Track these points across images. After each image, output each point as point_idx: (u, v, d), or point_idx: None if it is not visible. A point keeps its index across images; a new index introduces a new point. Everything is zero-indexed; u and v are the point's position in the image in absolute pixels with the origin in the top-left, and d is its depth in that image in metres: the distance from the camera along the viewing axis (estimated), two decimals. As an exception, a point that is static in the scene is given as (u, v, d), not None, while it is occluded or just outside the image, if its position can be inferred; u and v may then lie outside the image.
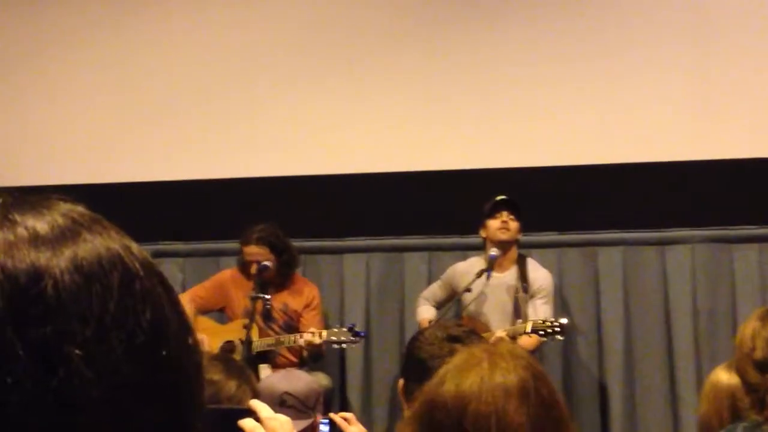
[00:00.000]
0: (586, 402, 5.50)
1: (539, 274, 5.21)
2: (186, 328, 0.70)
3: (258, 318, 5.13)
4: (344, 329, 5.00)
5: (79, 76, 6.19)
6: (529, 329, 4.80)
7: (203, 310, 5.42)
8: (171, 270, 5.84)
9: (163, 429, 0.66)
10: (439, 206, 5.71)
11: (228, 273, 5.46)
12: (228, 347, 5.14)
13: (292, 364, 5.11)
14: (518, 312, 5.13)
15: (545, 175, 5.64)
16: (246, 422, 1.51)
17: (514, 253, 5.25)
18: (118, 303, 0.65)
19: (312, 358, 5.23)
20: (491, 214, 5.20)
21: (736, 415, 2.55)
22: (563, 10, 5.78)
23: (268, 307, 5.20)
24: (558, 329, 4.78)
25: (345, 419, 2.42)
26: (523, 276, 5.20)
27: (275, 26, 6.04)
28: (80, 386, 0.62)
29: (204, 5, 6.13)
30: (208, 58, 6.07)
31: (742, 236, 5.47)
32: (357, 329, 4.99)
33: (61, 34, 6.21)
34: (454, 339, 2.40)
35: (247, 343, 4.89)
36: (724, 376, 2.71)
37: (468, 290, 5.09)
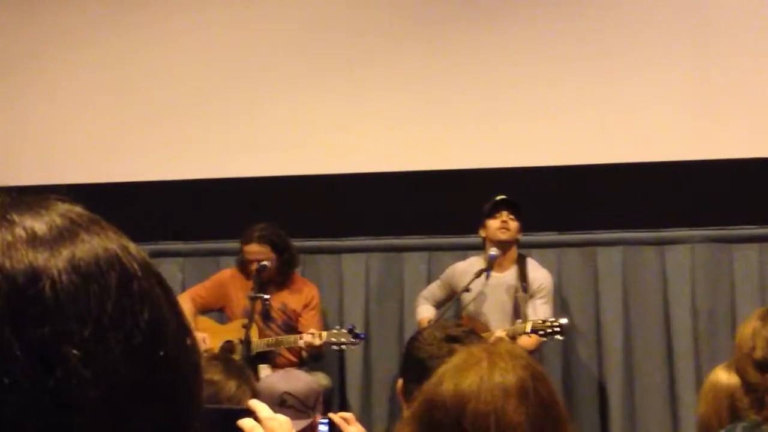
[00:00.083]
0: (586, 402, 5.50)
1: (539, 274, 5.21)
2: (184, 329, 0.70)
3: (257, 318, 5.14)
4: (344, 331, 5.00)
5: (79, 76, 6.19)
6: (528, 329, 4.80)
7: (203, 310, 5.42)
8: (171, 270, 5.84)
9: (161, 429, 0.66)
10: (438, 206, 5.71)
11: (228, 273, 5.46)
12: (228, 347, 5.14)
13: (291, 364, 5.11)
14: (518, 312, 5.13)
15: (545, 175, 5.63)
16: (245, 422, 1.51)
17: (513, 253, 5.25)
18: (116, 303, 0.65)
19: (312, 359, 5.23)
20: (491, 214, 5.20)
21: (735, 415, 2.55)
22: (563, 10, 5.77)
23: (267, 306, 5.20)
24: (558, 329, 4.78)
25: (344, 419, 2.42)
26: (522, 276, 5.19)
27: (275, 26, 6.04)
28: (78, 386, 0.62)
29: (204, 5, 6.13)
30: (208, 58, 6.07)
31: (741, 236, 5.47)
32: (357, 331, 4.99)
33: (61, 34, 6.20)
34: (453, 339, 2.40)
35: (247, 342, 4.89)
36: (723, 376, 2.71)
37: (467, 290, 5.09)
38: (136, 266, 0.68)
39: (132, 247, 0.69)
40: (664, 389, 5.43)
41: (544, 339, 4.86)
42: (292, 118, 5.95)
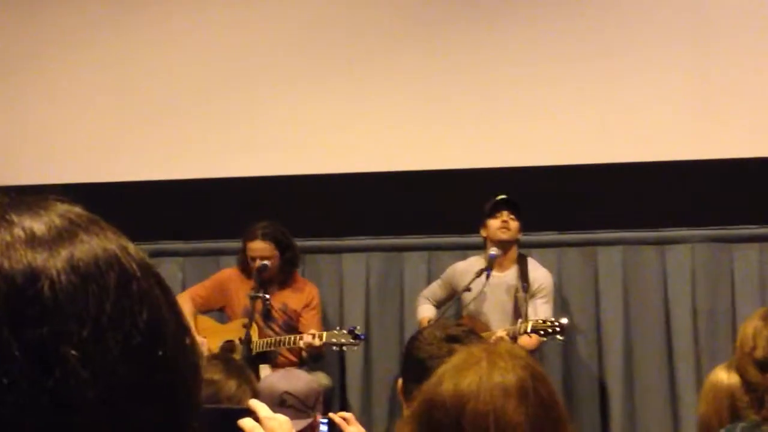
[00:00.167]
0: (586, 401, 5.50)
1: (539, 274, 5.21)
2: (183, 329, 0.70)
3: (258, 317, 5.14)
4: (344, 331, 5.00)
5: (79, 76, 6.19)
6: (529, 329, 4.80)
7: (203, 310, 5.42)
8: (171, 269, 5.84)
9: (160, 429, 0.66)
10: (438, 206, 5.71)
11: (228, 272, 5.46)
12: (228, 347, 5.14)
13: (291, 364, 5.11)
14: (518, 311, 5.13)
15: (545, 174, 5.63)
16: (245, 422, 1.51)
17: (514, 252, 5.25)
18: (115, 303, 0.65)
19: (311, 359, 5.23)
20: (491, 214, 5.20)
21: (735, 415, 2.55)
22: (563, 10, 5.77)
23: (268, 306, 5.21)
24: (558, 329, 4.78)
25: (344, 419, 2.42)
26: (523, 275, 5.20)
27: (275, 26, 6.04)
28: (76, 387, 0.62)
29: (204, 5, 6.13)
30: (208, 58, 6.06)
31: (741, 236, 5.47)
32: (357, 332, 4.99)
33: (61, 34, 6.20)
34: (453, 339, 2.40)
35: (247, 342, 4.89)
36: (723, 376, 2.71)
37: (468, 289, 5.09)
38: (135, 266, 0.68)
39: (131, 247, 0.69)
40: (664, 389, 5.43)
41: (545, 339, 4.86)
42: (292, 118, 5.95)
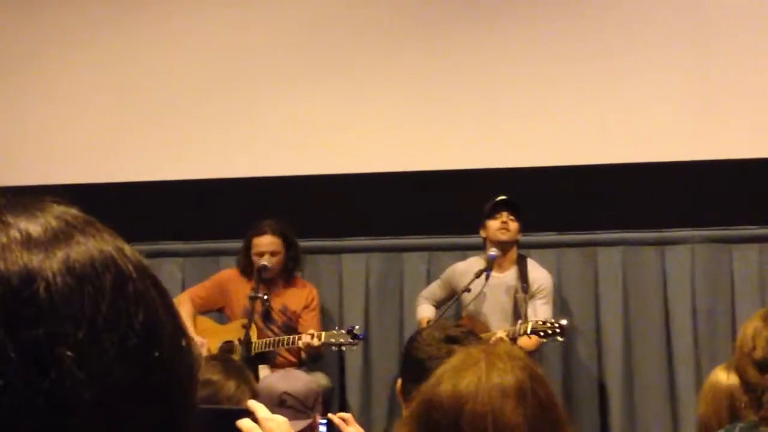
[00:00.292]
0: (586, 402, 5.50)
1: (539, 275, 5.21)
2: (179, 331, 0.70)
3: (257, 318, 5.14)
4: (343, 331, 5.00)
5: (79, 76, 6.19)
6: (529, 330, 4.80)
7: (202, 310, 5.42)
8: (171, 270, 5.84)
9: (156, 430, 0.66)
10: (438, 206, 5.71)
11: (228, 273, 5.46)
12: (227, 347, 5.14)
13: (290, 364, 5.11)
14: (518, 312, 5.13)
15: (545, 175, 5.63)
16: (243, 422, 1.52)
17: (513, 253, 5.25)
18: (111, 305, 0.65)
19: (310, 360, 5.23)
20: (491, 215, 5.20)
21: (734, 415, 2.55)
22: (563, 10, 5.77)
23: (267, 307, 5.21)
24: (558, 330, 4.78)
25: (343, 419, 2.42)
26: (522, 276, 5.19)
27: (275, 26, 6.04)
28: (72, 388, 0.62)
29: (204, 5, 6.13)
30: (208, 58, 6.06)
31: (741, 236, 5.47)
32: (356, 331, 4.99)
33: (61, 34, 6.20)
34: (452, 340, 2.40)
35: (246, 343, 4.89)
36: (723, 377, 2.71)
37: (467, 290, 5.09)
38: (131, 268, 0.68)
39: (127, 249, 0.69)
40: (664, 389, 5.43)
41: (545, 340, 4.86)
42: (292, 118, 5.95)
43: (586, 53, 5.70)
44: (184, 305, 5.28)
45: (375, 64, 5.93)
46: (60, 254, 0.65)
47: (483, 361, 1.59)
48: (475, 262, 5.26)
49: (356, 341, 5.02)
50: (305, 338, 5.00)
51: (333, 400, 5.46)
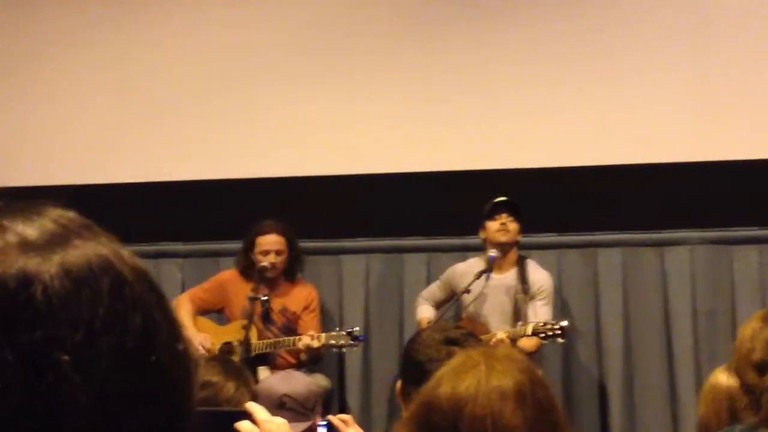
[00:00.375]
0: (586, 403, 5.50)
1: (539, 276, 5.20)
2: (176, 334, 0.70)
3: (256, 319, 5.14)
4: (343, 333, 5.00)
5: (79, 76, 6.19)
6: (529, 332, 4.80)
7: (202, 311, 5.42)
8: (170, 270, 5.84)
9: (153, 434, 0.66)
10: (438, 207, 5.71)
11: (227, 274, 5.46)
12: (227, 348, 5.14)
13: (290, 365, 5.10)
14: (518, 313, 5.13)
15: (545, 175, 5.63)
16: (242, 424, 1.52)
17: (513, 254, 5.25)
18: (108, 308, 0.65)
19: (310, 361, 5.23)
20: (490, 216, 5.20)
21: (734, 416, 2.55)
22: (563, 10, 5.77)
23: (267, 308, 5.21)
24: (559, 332, 4.78)
25: (343, 421, 2.42)
26: (522, 277, 5.19)
27: (275, 26, 6.04)
28: (69, 391, 0.62)
29: (204, 5, 6.13)
30: (208, 58, 6.06)
31: (741, 238, 5.47)
32: (356, 333, 4.99)
33: (61, 34, 6.20)
34: (452, 342, 2.40)
35: (246, 344, 4.89)
36: (723, 378, 2.71)
37: (467, 291, 5.09)
38: (128, 271, 0.68)
39: (125, 252, 0.69)
40: (664, 390, 5.43)
41: (545, 342, 4.86)
42: (292, 118, 5.95)
43: (586, 53, 5.70)
44: (183, 306, 5.29)
45: (375, 64, 5.93)
46: (57, 257, 0.65)
47: (482, 363, 1.59)
48: (475, 263, 5.26)
49: (356, 343, 5.03)
50: (305, 339, 5.00)
51: (333, 401, 5.46)
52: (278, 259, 5.25)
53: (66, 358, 0.62)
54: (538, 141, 5.72)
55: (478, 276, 5.07)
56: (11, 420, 0.61)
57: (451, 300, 5.27)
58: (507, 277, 5.20)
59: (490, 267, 5.11)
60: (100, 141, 6.13)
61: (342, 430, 2.40)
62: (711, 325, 5.41)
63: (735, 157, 5.50)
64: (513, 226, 5.18)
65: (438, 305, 5.35)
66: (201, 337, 5.17)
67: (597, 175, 5.60)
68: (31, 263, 0.64)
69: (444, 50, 5.85)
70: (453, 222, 5.60)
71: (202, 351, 4.99)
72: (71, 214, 0.70)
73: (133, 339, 0.65)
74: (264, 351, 5.13)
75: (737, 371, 2.42)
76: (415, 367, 2.37)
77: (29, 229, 0.66)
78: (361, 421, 3.45)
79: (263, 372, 4.99)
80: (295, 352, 5.18)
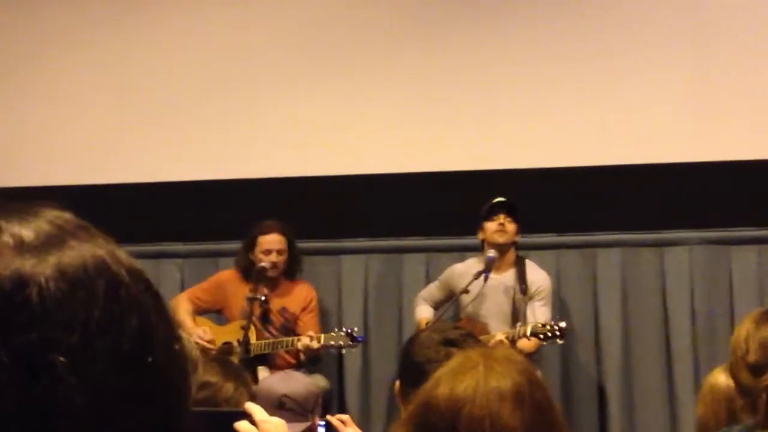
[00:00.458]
0: (584, 403, 5.50)
1: (537, 276, 5.20)
2: (173, 335, 0.70)
3: (255, 319, 5.14)
4: (342, 334, 5.00)
5: (79, 76, 6.19)
6: (528, 333, 4.80)
7: (201, 311, 5.42)
8: (170, 271, 5.84)
9: (149, 435, 0.66)
10: (438, 207, 5.71)
11: (227, 274, 5.46)
12: (226, 348, 5.14)
13: (290, 365, 5.10)
14: (516, 314, 5.13)
15: (544, 176, 5.63)
16: (241, 425, 1.52)
17: (511, 254, 5.25)
18: (104, 310, 0.65)
19: (310, 362, 5.23)
20: (488, 217, 5.20)
21: (733, 417, 2.54)
22: (563, 10, 5.77)
23: (266, 308, 5.21)
24: (558, 333, 4.78)
25: (342, 421, 2.42)
26: (521, 278, 5.19)
27: (275, 26, 6.04)
28: (65, 393, 0.62)
29: (204, 5, 6.13)
30: (208, 58, 6.06)
31: (740, 238, 5.46)
32: (355, 334, 4.99)
33: (61, 34, 6.20)
34: (451, 343, 2.40)
35: (245, 344, 4.89)
36: (722, 378, 2.70)
37: (466, 291, 5.09)
38: (124, 273, 0.68)
39: (121, 253, 0.69)
40: (663, 390, 5.43)
41: (544, 343, 4.86)
42: (292, 118, 5.95)
43: (586, 53, 5.70)
44: (182, 305, 5.30)
45: (375, 64, 5.93)
46: (52, 259, 0.65)
47: (481, 364, 1.59)
48: (474, 264, 5.26)
49: (355, 344, 5.03)
50: (304, 340, 5.00)
51: (332, 401, 5.46)
52: (279, 259, 5.26)
53: (62, 359, 0.62)
54: (538, 141, 5.72)
55: (477, 276, 5.07)
56: (7, 422, 0.61)
57: (449, 300, 5.27)
58: (505, 277, 5.20)
59: (489, 267, 5.10)
60: (100, 141, 6.13)
61: (341, 430, 2.40)
62: (710, 326, 5.40)
63: (734, 158, 5.50)
64: (510, 227, 5.18)
65: (437, 305, 5.35)
66: (200, 330, 5.17)
67: (596, 175, 5.59)
68: (27, 265, 0.64)
69: (444, 50, 5.84)
70: (452, 222, 5.60)
71: (202, 342, 4.99)
72: (67, 216, 0.70)
73: (129, 340, 0.65)
74: (263, 351, 5.13)
75: (732, 373, 2.41)
76: (413, 368, 2.37)
77: (25, 231, 0.66)
78: (360, 422, 3.47)
79: (263, 372, 4.99)
80: (294, 353, 5.18)
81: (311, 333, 5.05)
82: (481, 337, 4.16)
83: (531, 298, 5.15)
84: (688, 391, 5.21)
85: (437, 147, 5.79)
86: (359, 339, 5.06)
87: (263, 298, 5.11)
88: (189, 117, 6.04)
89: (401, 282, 5.72)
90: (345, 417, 2.45)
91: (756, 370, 2.29)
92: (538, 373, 1.70)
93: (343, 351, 5.26)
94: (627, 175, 5.59)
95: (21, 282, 0.63)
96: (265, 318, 5.26)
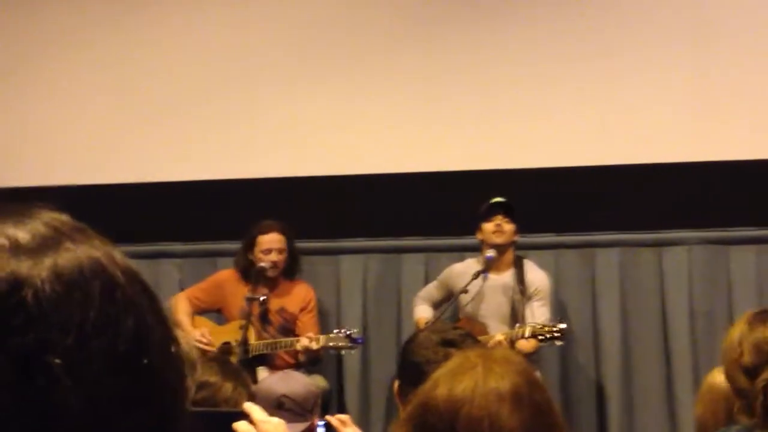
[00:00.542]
0: (583, 403, 5.50)
1: (536, 276, 5.20)
2: (169, 337, 0.70)
3: (254, 319, 5.14)
4: (342, 335, 5.00)
5: (79, 76, 6.19)
6: (528, 334, 4.80)
7: (199, 311, 5.42)
8: (169, 271, 5.84)
9: (145, 437, 0.66)
10: (437, 207, 5.71)
11: (226, 273, 5.46)
12: (225, 348, 5.14)
13: (289, 366, 5.10)
14: (515, 314, 5.13)
15: (544, 176, 5.63)
16: (240, 425, 1.52)
17: (510, 254, 5.25)
18: (99, 311, 0.65)
19: (309, 362, 5.23)
20: (486, 217, 5.20)
21: (731, 417, 2.54)
22: (563, 10, 5.77)
23: (265, 308, 5.21)
24: (557, 334, 4.78)
25: (341, 421, 2.42)
26: (520, 278, 5.19)
27: (275, 26, 6.04)
28: (60, 394, 0.62)
29: (204, 5, 6.13)
30: (208, 58, 6.06)
31: (739, 238, 5.46)
32: (355, 335, 4.99)
33: (61, 34, 6.20)
34: (449, 343, 2.40)
35: (244, 344, 4.89)
36: (720, 378, 2.70)
37: (465, 291, 5.09)
38: (120, 274, 0.68)
39: (117, 255, 0.69)
40: (662, 390, 5.43)
41: (544, 343, 4.85)
42: (292, 118, 5.95)
43: (586, 53, 5.70)
44: (181, 305, 5.30)
45: (375, 64, 5.93)
46: (48, 261, 0.65)
47: (480, 365, 1.58)
48: (473, 264, 5.26)
49: (355, 345, 5.03)
50: (304, 341, 5.00)
51: (331, 401, 5.46)
52: (279, 258, 5.26)
53: (57, 361, 0.62)
54: (538, 141, 5.72)
55: (476, 276, 5.07)
56: (2, 423, 0.61)
57: (448, 300, 5.26)
58: (504, 277, 5.20)
59: (488, 267, 5.11)
60: (100, 141, 6.13)
61: (340, 430, 2.40)
62: (708, 326, 5.40)
63: (734, 158, 5.50)
64: (508, 227, 5.18)
65: (435, 305, 5.35)
66: (199, 332, 5.17)
67: (596, 175, 5.59)
68: (23, 267, 0.64)
69: (444, 50, 5.84)
70: (451, 222, 5.60)
71: (202, 344, 4.99)
72: (63, 217, 0.70)
73: (125, 342, 0.65)
74: (262, 351, 5.13)
75: (727, 376, 2.41)
76: (412, 368, 2.37)
77: (21, 233, 0.66)
78: (360, 422, 3.47)
79: (262, 372, 4.99)
80: (293, 353, 5.18)
81: (311, 334, 5.05)
82: (480, 338, 4.15)
83: (530, 298, 5.15)
84: (687, 391, 5.21)
85: (437, 147, 5.78)
86: (359, 341, 5.06)
87: (262, 298, 5.11)
88: (189, 117, 6.04)
89: (400, 282, 5.72)
90: (344, 417, 2.45)
91: (751, 371, 2.29)
92: (537, 374, 1.70)
93: (343, 353, 5.26)
94: (626, 175, 5.59)
95: (17, 284, 0.63)
96: (264, 318, 5.26)
